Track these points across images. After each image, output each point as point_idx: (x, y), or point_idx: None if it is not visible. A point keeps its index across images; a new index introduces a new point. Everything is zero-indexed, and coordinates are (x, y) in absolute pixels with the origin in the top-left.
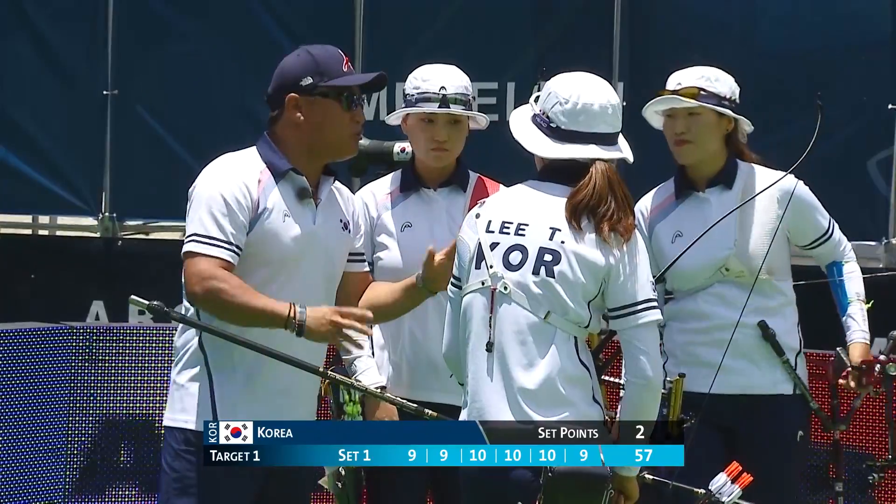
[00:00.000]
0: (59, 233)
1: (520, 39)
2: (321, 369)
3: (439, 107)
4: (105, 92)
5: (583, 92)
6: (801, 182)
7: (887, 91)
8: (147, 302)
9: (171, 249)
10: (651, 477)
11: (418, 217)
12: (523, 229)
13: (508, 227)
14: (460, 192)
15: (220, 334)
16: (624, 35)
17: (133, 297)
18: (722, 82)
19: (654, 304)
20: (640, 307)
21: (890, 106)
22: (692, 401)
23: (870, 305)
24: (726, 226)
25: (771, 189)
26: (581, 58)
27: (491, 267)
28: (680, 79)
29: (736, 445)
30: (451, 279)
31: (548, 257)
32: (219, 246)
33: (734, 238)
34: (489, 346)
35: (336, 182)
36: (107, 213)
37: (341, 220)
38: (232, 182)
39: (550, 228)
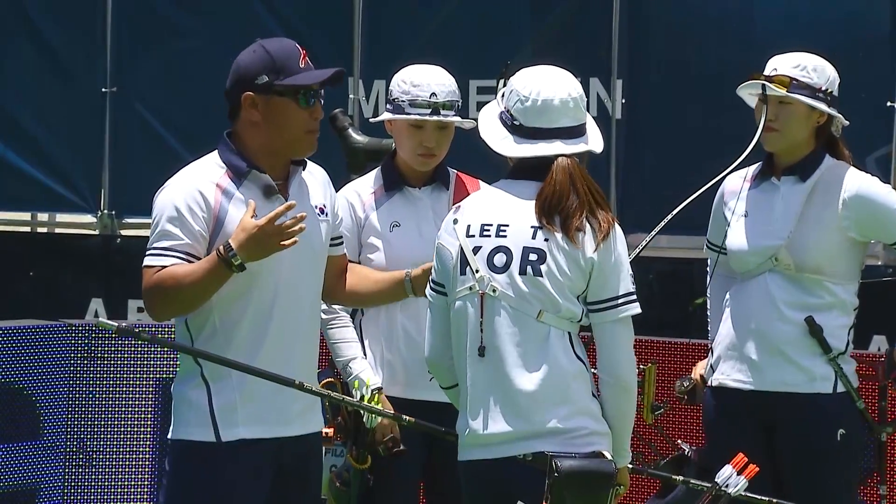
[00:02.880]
0: (58, 230)
1: (518, 36)
2: (297, 382)
3: (431, 114)
4: (104, 89)
5: (542, 88)
6: (874, 181)
7: (886, 88)
8: (115, 324)
9: None
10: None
11: (406, 216)
12: (504, 230)
13: (489, 230)
14: (443, 189)
15: (188, 350)
16: (622, 32)
17: (100, 319)
18: (819, 73)
19: (634, 297)
20: (620, 301)
21: (888, 103)
22: (726, 395)
23: None
24: (785, 216)
25: (843, 189)
26: (579, 55)
27: (477, 271)
28: (776, 64)
29: (777, 444)
30: (431, 284)
31: (533, 256)
32: (167, 255)
33: (790, 230)
34: (482, 351)
35: (308, 166)
36: (106, 211)
37: (316, 206)
38: (185, 191)
39: (532, 227)
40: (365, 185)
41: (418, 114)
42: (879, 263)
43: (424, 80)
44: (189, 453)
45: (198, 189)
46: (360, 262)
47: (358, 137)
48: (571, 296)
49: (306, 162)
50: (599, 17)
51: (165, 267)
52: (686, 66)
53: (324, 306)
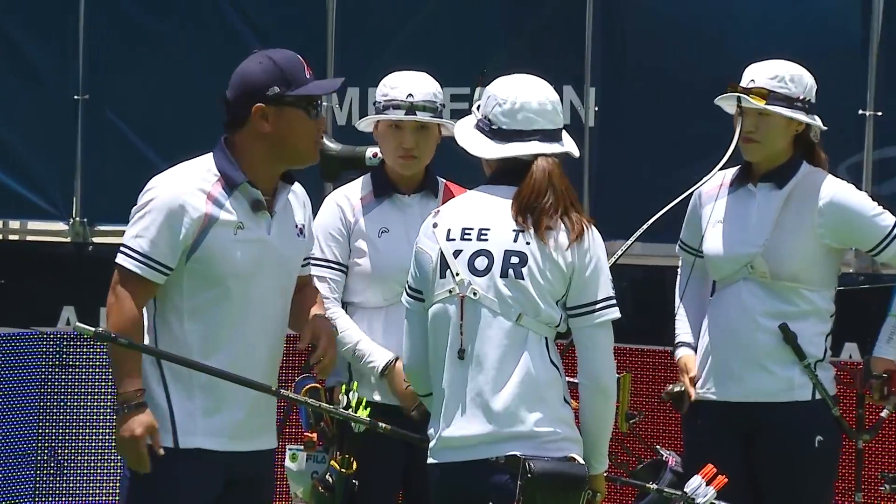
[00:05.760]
0: (29, 238)
1: (492, 44)
2: (274, 389)
3: (406, 114)
4: (76, 97)
5: (520, 91)
6: (849, 188)
7: (858, 96)
8: (92, 329)
9: None
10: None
11: (394, 223)
12: (485, 234)
13: (469, 234)
14: (432, 197)
15: (172, 358)
16: (596, 40)
17: (78, 324)
18: (797, 82)
19: (613, 301)
20: (599, 305)
21: (860, 111)
22: (710, 407)
23: None
24: (761, 224)
25: (818, 197)
26: (553, 63)
27: (457, 274)
28: (754, 75)
29: (757, 453)
30: (408, 291)
31: (514, 259)
32: (141, 262)
33: (765, 237)
34: (461, 354)
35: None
36: (78, 219)
37: (297, 226)
38: (178, 197)
39: (513, 231)
40: (353, 191)
41: (395, 114)
42: (851, 271)
43: (403, 83)
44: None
45: (191, 196)
46: (347, 267)
47: (331, 145)
48: (551, 300)
49: (295, 179)
50: (573, 25)
51: (136, 275)
52: (659, 74)
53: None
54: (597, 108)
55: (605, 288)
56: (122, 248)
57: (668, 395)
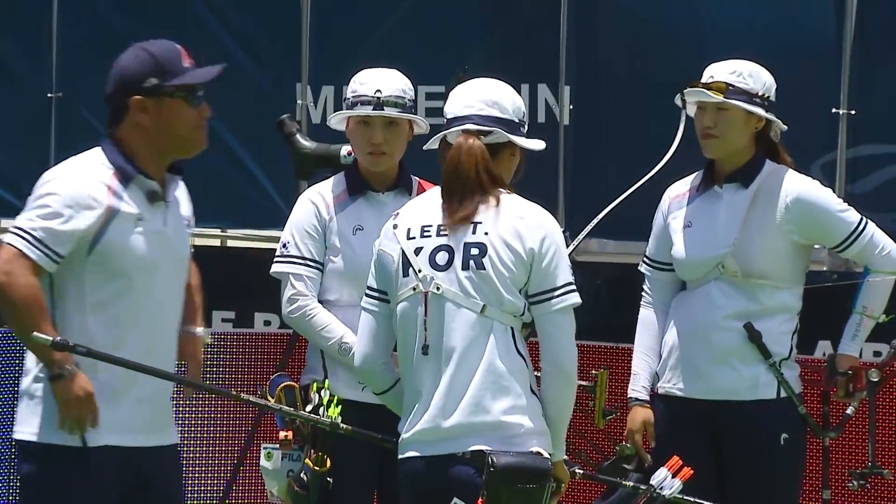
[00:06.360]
0: (3, 237)
1: (468, 43)
2: (234, 392)
3: (373, 109)
4: (49, 94)
5: (468, 85)
6: (814, 185)
7: (832, 94)
8: (49, 338)
9: None
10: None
11: (369, 220)
12: (444, 229)
13: (429, 230)
14: (406, 195)
15: (125, 363)
16: (571, 40)
17: (35, 334)
18: (755, 78)
19: (573, 287)
20: (559, 292)
21: (834, 110)
22: (672, 403)
23: (886, 319)
24: (730, 224)
25: (784, 193)
26: (528, 61)
27: (420, 271)
28: (713, 72)
29: (723, 450)
30: (369, 292)
31: (474, 251)
32: (36, 247)
33: (734, 237)
34: (425, 350)
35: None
36: None
37: (185, 218)
38: (80, 186)
39: (472, 223)
40: (327, 189)
41: (363, 110)
42: (825, 269)
43: (371, 79)
44: (55, 457)
45: (93, 188)
46: (323, 264)
47: (305, 143)
48: (514, 288)
49: (183, 170)
50: (548, 23)
51: (28, 259)
52: (634, 73)
53: (293, 304)
54: (572, 107)
55: (565, 274)
56: (14, 230)
57: (622, 454)
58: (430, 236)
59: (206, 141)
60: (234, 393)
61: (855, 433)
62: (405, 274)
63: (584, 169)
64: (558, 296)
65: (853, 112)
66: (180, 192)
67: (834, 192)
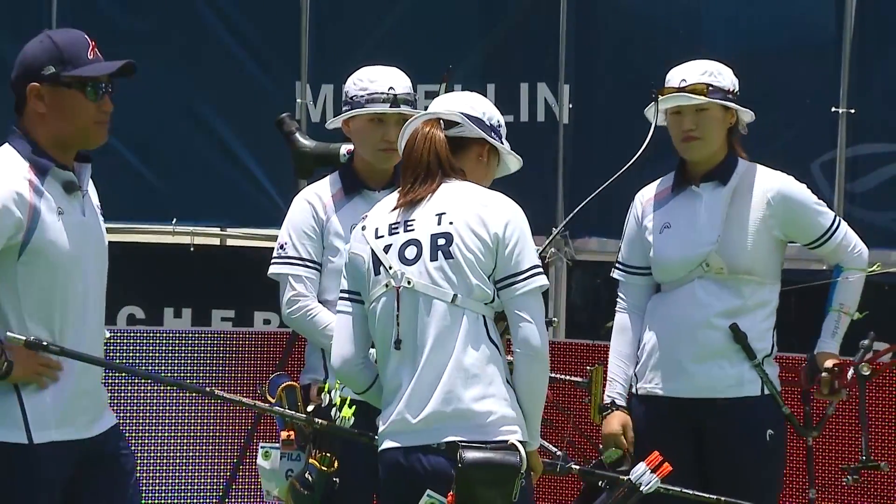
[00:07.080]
0: None
1: (466, 42)
2: (208, 389)
3: (390, 106)
4: None
5: (450, 93)
6: (791, 180)
7: (831, 93)
8: (23, 338)
9: (114, 253)
10: (578, 468)
11: None
12: (411, 224)
13: (397, 227)
14: None
15: (95, 362)
16: (570, 37)
17: (9, 333)
18: (724, 76)
19: (540, 270)
20: (525, 275)
21: (833, 108)
22: (655, 402)
23: (860, 316)
24: (711, 221)
25: (764, 189)
26: (527, 60)
27: (390, 268)
28: (684, 75)
29: (707, 447)
30: (342, 294)
31: (441, 241)
32: None
33: (718, 234)
34: (397, 344)
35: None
36: None
37: (97, 207)
38: (9, 186)
39: (436, 215)
40: (323, 189)
41: (378, 107)
42: (824, 267)
43: (381, 77)
44: (0, 454)
45: (15, 182)
46: (321, 265)
47: (305, 142)
48: (483, 274)
49: (91, 159)
50: (547, 22)
51: None
52: (633, 71)
53: (293, 305)
54: (571, 106)
55: (531, 257)
56: None
57: (609, 461)
58: (398, 233)
59: (105, 135)
60: (208, 390)
61: (838, 432)
62: (377, 272)
63: (584, 168)
64: (524, 279)
65: (853, 111)
66: (90, 182)
67: (833, 190)
